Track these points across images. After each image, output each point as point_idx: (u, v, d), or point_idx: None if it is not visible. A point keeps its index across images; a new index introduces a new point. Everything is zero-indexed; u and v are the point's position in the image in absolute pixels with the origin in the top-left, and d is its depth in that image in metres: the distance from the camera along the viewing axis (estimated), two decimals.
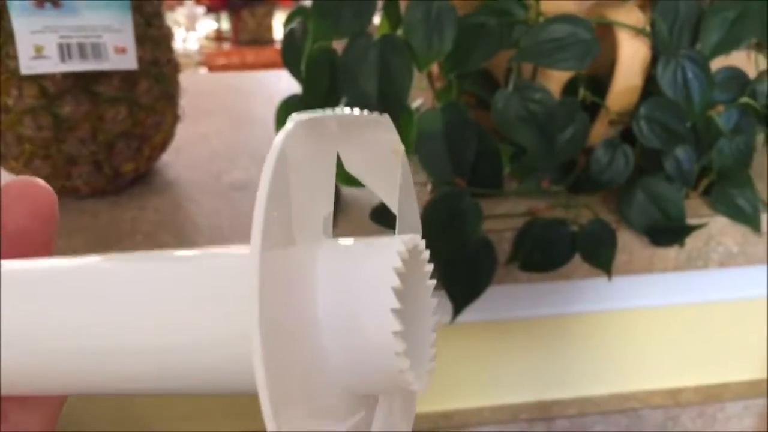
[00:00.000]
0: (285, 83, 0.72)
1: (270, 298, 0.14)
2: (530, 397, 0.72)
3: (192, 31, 3.35)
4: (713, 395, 0.73)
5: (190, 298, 0.17)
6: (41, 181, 0.20)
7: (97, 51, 0.49)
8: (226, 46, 3.32)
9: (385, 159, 0.20)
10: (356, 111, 0.18)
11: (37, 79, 0.51)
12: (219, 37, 3.45)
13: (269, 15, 3.29)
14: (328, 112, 0.17)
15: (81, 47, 0.49)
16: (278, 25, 3.12)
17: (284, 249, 0.15)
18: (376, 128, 0.19)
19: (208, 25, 3.43)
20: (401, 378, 0.16)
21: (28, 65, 0.48)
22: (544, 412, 0.72)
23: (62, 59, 0.49)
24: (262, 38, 3.08)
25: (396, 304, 0.15)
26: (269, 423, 0.14)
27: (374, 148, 0.20)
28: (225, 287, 0.16)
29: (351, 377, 0.16)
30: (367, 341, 0.16)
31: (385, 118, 0.20)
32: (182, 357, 0.17)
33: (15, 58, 0.50)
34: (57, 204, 0.21)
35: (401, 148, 0.20)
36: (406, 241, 0.16)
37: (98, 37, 0.49)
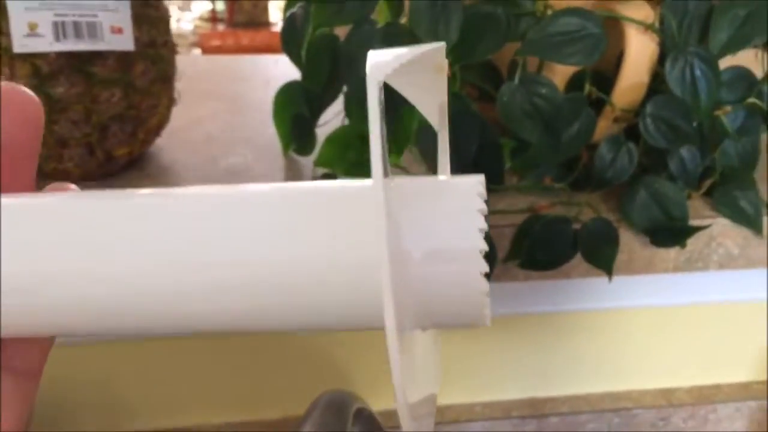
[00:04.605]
0: (282, 68, 0.71)
1: (390, 228, 0.15)
2: (523, 394, 0.71)
3: (187, 11, 3.32)
4: (705, 396, 0.73)
5: (319, 222, 0.17)
6: (26, 89, 0.19)
7: (93, 30, 0.48)
8: (221, 27, 3.28)
9: (430, 77, 0.20)
10: (421, 46, 0.18)
11: (29, 58, 0.49)
12: (214, 18, 3.42)
13: None
14: (401, 56, 0.17)
15: (76, 26, 0.47)
16: (274, 7, 3.08)
17: (389, 181, 0.16)
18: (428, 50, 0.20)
19: (203, 5, 3.39)
20: (481, 301, 0.17)
21: (21, 43, 0.47)
22: (536, 410, 0.71)
23: (57, 38, 0.47)
24: (258, 20, 3.05)
25: (484, 225, 0.16)
26: (392, 340, 0.14)
27: (422, 67, 0.20)
28: (350, 215, 0.17)
29: (428, 300, 0.17)
30: (454, 262, 0.16)
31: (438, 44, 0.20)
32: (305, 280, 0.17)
33: (7, 35, 0.48)
34: (43, 113, 0.20)
35: (445, 64, 0.21)
36: (479, 177, 0.18)
37: (94, 16, 0.48)
